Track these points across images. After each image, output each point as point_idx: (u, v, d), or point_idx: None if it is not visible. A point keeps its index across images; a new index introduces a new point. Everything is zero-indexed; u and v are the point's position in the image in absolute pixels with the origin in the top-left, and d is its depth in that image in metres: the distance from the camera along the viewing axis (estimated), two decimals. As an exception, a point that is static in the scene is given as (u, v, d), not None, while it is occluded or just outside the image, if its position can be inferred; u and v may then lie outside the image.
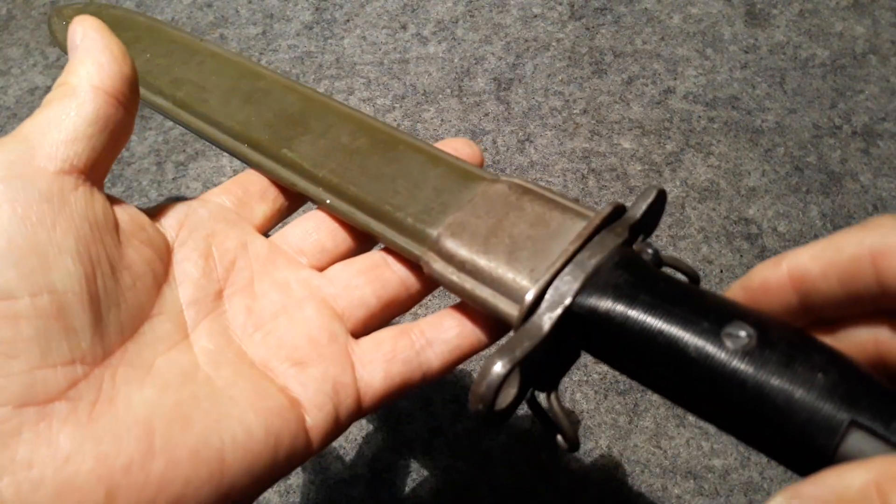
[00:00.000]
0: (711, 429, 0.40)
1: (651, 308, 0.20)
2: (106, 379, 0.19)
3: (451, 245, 0.24)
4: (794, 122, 0.51)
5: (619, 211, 0.24)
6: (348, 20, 0.59)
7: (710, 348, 0.19)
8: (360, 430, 0.42)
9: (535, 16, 0.57)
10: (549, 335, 0.21)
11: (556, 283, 0.22)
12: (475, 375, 0.43)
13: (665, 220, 0.47)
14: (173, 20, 0.61)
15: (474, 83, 0.54)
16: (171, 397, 0.20)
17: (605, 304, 0.21)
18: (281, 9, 0.61)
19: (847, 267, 0.17)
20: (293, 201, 0.29)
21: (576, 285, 0.21)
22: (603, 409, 0.41)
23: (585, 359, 0.43)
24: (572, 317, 0.21)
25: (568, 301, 0.21)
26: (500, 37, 0.57)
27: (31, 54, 0.61)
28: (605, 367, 0.43)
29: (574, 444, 0.23)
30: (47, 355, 0.18)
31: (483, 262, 0.23)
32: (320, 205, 0.28)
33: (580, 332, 0.22)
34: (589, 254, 0.22)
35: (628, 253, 0.22)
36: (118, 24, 0.36)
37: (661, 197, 0.24)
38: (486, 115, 0.53)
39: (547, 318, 0.21)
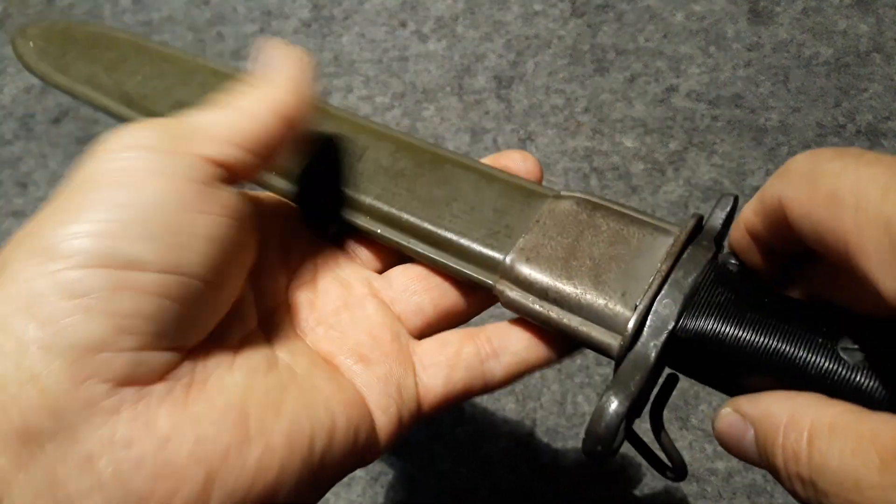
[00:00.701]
0: (715, 431, 0.40)
1: (762, 327, 0.19)
2: (199, 361, 0.19)
3: (528, 271, 0.22)
4: (798, 120, 0.50)
5: (699, 222, 0.23)
6: (347, 17, 0.59)
7: (830, 364, 0.18)
8: (359, 432, 0.42)
9: (536, 13, 0.57)
10: (657, 365, 0.20)
11: (654, 306, 0.20)
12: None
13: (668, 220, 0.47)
14: (170, 17, 0.61)
15: (475, 81, 0.54)
16: (261, 382, 0.20)
17: (712, 326, 0.19)
18: (279, 6, 0.60)
19: (771, 216, 0.18)
20: None
21: (677, 308, 0.20)
22: (605, 412, 0.41)
23: (587, 360, 0.42)
24: (676, 341, 0.20)
25: (671, 325, 0.20)
26: (500, 34, 0.56)
27: (26, 52, 0.61)
28: (607, 370, 0.42)
29: (683, 473, 0.22)
30: (158, 337, 0.17)
31: (568, 288, 0.22)
32: (370, 235, 0.25)
33: (683, 355, 0.21)
34: (683, 272, 0.21)
35: (721, 267, 0.21)
36: (96, 44, 0.34)
37: (736, 204, 0.24)
38: (487, 113, 0.52)
39: (652, 347, 0.20)
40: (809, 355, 0.18)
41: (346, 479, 0.40)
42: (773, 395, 0.18)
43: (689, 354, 0.20)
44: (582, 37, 0.55)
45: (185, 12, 0.61)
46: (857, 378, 0.18)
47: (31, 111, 0.57)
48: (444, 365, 0.23)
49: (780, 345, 0.19)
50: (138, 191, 0.18)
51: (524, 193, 0.25)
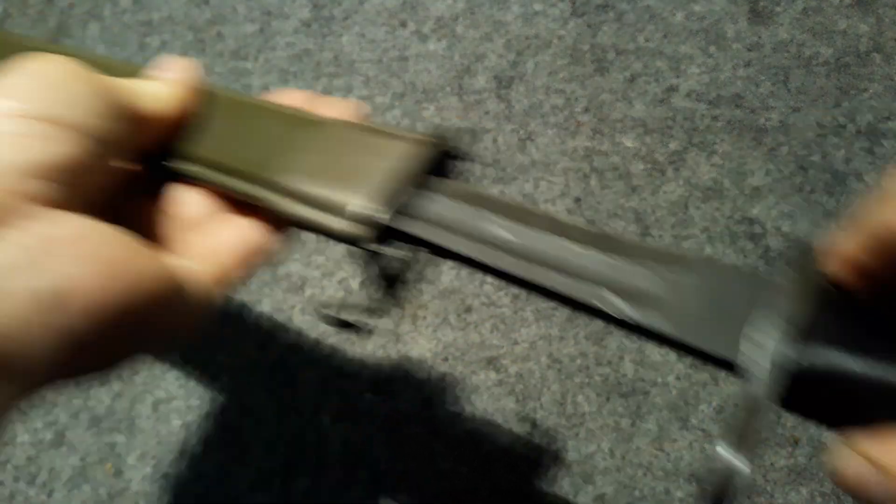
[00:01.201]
0: (714, 431, 0.40)
1: (887, 356, 0.17)
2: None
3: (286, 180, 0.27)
4: (798, 120, 0.50)
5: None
6: (347, 17, 0.59)
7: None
8: (358, 432, 0.42)
9: (536, 13, 0.57)
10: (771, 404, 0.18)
11: (757, 337, 0.19)
12: (477, 377, 0.42)
13: (668, 220, 0.47)
14: (170, 17, 0.61)
15: (475, 81, 0.54)
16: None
17: (831, 360, 0.18)
18: (279, 6, 0.60)
19: (883, 247, 0.17)
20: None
21: (791, 345, 0.18)
22: (605, 412, 0.41)
23: (587, 360, 0.42)
24: (793, 381, 0.18)
25: (791, 366, 0.18)
26: (500, 34, 0.56)
27: (26, 52, 0.61)
28: (607, 370, 0.42)
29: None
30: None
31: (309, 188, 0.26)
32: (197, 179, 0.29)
33: (796, 395, 0.19)
34: (790, 302, 0.19)
35: (828, 292, 0.19)
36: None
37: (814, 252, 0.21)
38: (487, 113, 0.52)
39: (764, 387, 0.18)
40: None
41: (346, 479, 0.40)
42: None
43: (802, 392, 0.19)
44: (582, 37, 0.55)
45: (185, 12, 0.61)
46: None
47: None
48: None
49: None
50: (69, 81, 0.23)
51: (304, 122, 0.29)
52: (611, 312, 0.22)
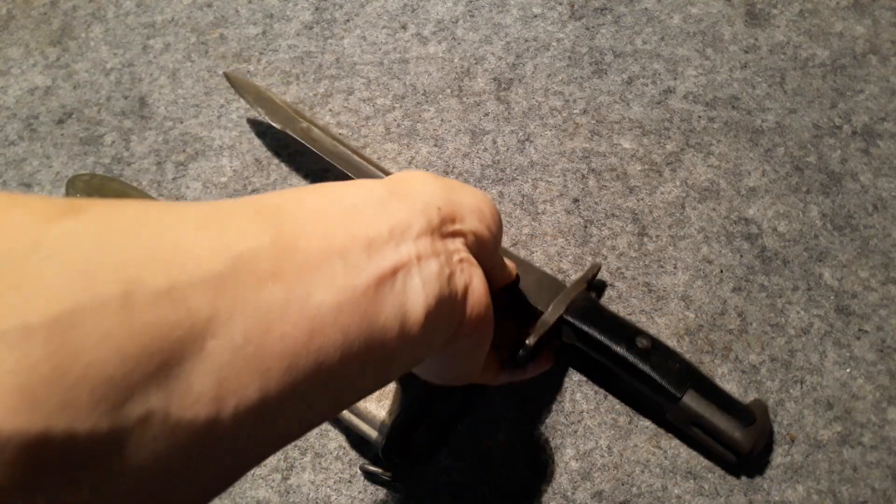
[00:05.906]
0: (711, 429, 0.41)
1: (598, 322, 0.39)
2: None
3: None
4: (794, 122, 0.51)
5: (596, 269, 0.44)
6: (348, 20, 0.59)
7: (627, 350, 0.38)
8: (359, 429, 0.42)
9: (535, 16, 0.57)
10: (553, 327, 0.38)
11: (552, 306, 0.38)
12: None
13: (665, 221, 0.47)
14: (173, 20, 0.61)
15: (474, 83, 0.54)
16: None
17: (574, 317, 0.39)
18: (281, 8, 0.61)
19: None
20: None
21: (563, 306, 0.38)
22: (603, 409, 0.41)
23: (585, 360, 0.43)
24: (563, 321, 0.39)
25: (561, 310, 0.38)
26: (500, 37, 0.57)
27: (31, 54, 0.61)
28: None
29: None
30: None
31: (364, 405, 0.39)
32: None
33: (568, 329, 0.39)
34: (568, 292, 0.39)
35: (586, 294, 0.40)
36: (118, 198, 0.48)
37: (599, 269, 0.43)
38: (486, 115, 0.53)
39: (551, 315, 0.38)
40: (617, 343, 0.38)
41: (346, 476, 0.40)
42: None
43: (570, 330, 0.39)
44: (580, 39, 0.56)
45: (188, 14, 0.61)
46: (639, 358, 0.38)
47: (35, 112, 0.58)
48: None
49: (605, 332, 0.38)
50: None
51: None
52: None
